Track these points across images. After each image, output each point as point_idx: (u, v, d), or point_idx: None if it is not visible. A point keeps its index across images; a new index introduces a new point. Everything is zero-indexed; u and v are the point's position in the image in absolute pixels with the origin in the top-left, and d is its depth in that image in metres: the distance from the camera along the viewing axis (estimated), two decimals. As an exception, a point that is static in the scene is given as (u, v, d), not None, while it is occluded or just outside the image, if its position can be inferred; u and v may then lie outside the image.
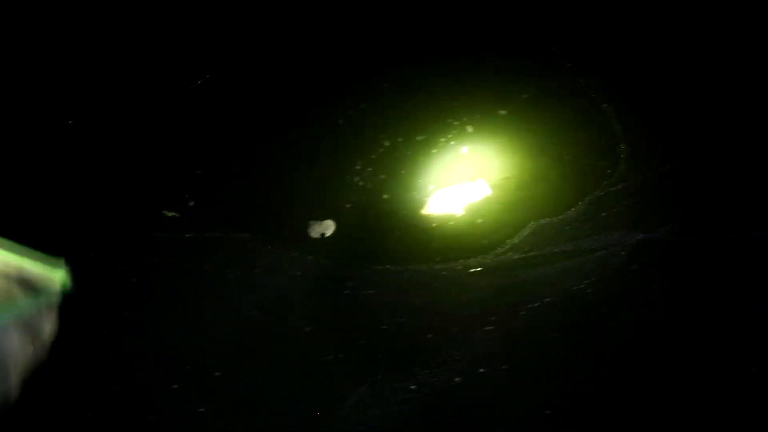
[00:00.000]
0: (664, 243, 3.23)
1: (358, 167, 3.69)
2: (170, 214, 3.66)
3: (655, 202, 3.35)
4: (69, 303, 3.33)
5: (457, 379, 3.06)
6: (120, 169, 3.73)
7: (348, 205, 3.63)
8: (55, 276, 2.34)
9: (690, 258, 3.18)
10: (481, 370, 3.05)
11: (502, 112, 3.62)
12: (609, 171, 3.43)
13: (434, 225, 3.66)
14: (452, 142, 3.68)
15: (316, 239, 3.68)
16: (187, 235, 3.62)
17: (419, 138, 3.70)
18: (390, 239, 3.68)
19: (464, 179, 3.69)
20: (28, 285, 2.18)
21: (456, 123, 3.71)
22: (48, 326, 2.23)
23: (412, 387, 3.15)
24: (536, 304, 3.19)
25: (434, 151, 3.68)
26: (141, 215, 3.65)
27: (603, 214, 3.41)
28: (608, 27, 3.58)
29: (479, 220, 3.62)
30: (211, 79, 3.87)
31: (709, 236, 3.19)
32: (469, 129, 3.67)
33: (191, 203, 3.70)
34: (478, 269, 3.48)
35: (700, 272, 3.16)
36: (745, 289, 3.03)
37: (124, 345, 3.31)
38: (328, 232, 3.64)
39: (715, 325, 3.01)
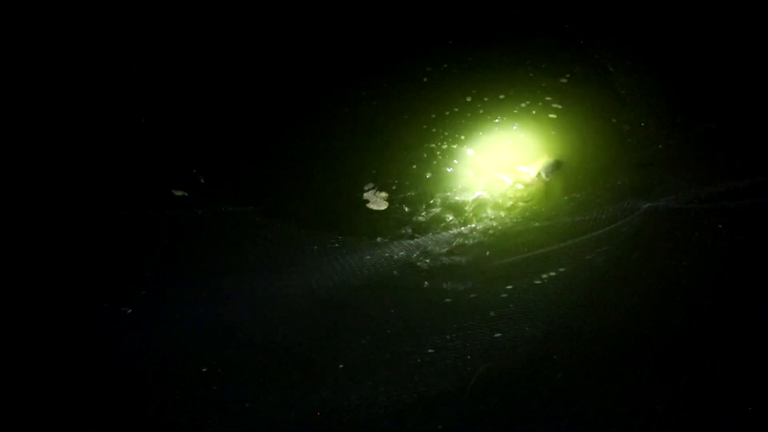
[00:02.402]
0: (672, 211, 3.31)
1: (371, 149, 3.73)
2: (179, 193, 3.63)
3: (664, 173, 3.43)
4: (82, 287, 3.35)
5: (474, 344, 3.14)
6: (127, 149, 3.67)
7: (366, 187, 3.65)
8: None
9: (698, 225, 3.28)
10: (497, 335, 3.13)
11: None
12: (622, 143, 3.51)
13: (446, 192, 3.68)
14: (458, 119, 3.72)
15: (328, 216, 3.69)
16: (199, 212, 3.59)
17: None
18: (402, 211, 3.69)
19: (472, 147, 3.72)
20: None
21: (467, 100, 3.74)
22: None
23: (430, 350, 3.21)
24: (550, 274, 3.26)
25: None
26: (150, 194, 3.61)
27: (613, 183, 3.48)
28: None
29: (490, 191, 3.66)
30: (222, 61, 3.82)
31: (716, 204, 3.28)
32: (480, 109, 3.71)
33: (201, 179, 3.67)
34: (494, 236, 3.52)
35: (707, 239, 3.26)
36: (752, 255, 3.14)
37: (139, 327, 3.30)
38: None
39: (722, 294, 3.12)
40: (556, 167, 3.58)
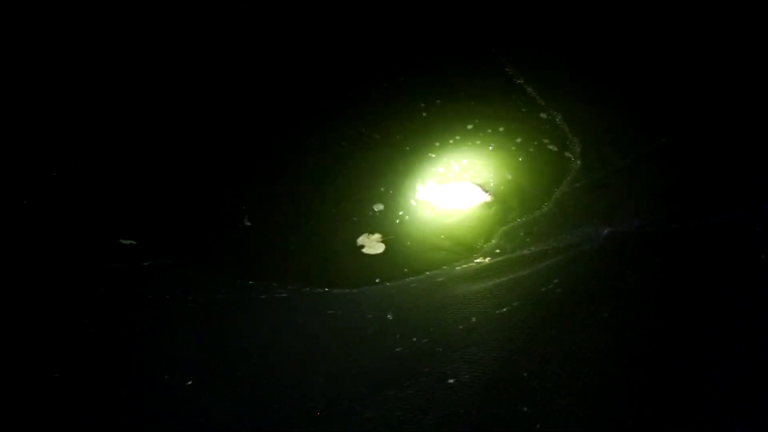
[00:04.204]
0: (634, 235, 3.10)
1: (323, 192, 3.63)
2: (127, 242, 3.56)
3: (622, 195, 3.24)
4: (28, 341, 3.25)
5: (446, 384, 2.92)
6: (73, 202, 3.64)
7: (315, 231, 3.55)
8: None
9: (663, 248, 3.05)
10: (450, 381, 2.91)
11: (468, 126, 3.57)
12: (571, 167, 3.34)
13: (401, 238, 3.56)
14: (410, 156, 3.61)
15: (281, 264, 3.58)
16: (145, 264, 3.51)
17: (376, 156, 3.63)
18: (356, 257, 3.58)
19: (429, 191, 3.60)
20: None
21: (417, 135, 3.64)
22: None
23: (389, 394, 3.00)
24: (504, 309, 3.05)
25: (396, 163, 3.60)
26: (96, 246, 3.55)
27: (570, 210, 3.30)
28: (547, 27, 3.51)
29: (447, 231, 3.53)
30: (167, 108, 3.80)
31: (683, 224, 3.06)
32: (436, 142, 3.61)
33: (148, 231, 3.61)
34: (447, 278, 3.36)
35: (674, 262, 3.02)
36: (721, 273, 2.89)
37: (87, 375, 3.17)
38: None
39: (693, 315, 2.87)
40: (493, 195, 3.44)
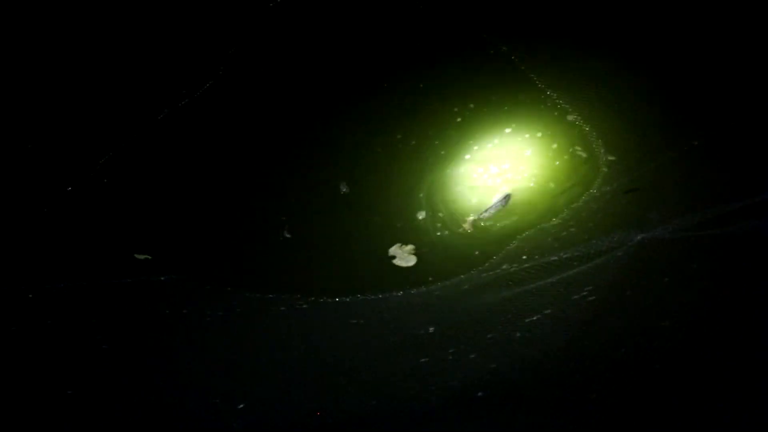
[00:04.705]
0: (668, 241, 2.97)
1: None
2: (142, 257, 3.47)
3: (654, 200, 3.12)
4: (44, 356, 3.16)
5: (450, 402, 2.80)
6: (88, 216, 3.54)
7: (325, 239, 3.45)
8: None
9: (699, 254, 2.93)
10: (479, 394, 2.79)
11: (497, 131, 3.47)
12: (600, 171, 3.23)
13: (424, 242, 3.44)
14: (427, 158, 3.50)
15: (303, 275, 3.48)
16: (161, 279, 3.42)
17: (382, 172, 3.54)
18: (378, 265, 3.46)
19: (450, 192, 3.49)
20: None
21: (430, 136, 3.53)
22: None
23: (415, 407, 2.89)
24: (535, 318, 2.93)
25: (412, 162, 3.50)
26: (110, 262, 3.46)
27: (600, 216, 3.18)
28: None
29: (473, 236, 3.41)
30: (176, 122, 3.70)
31: (718, 229, 2.94)
32: (441, 144, 3.49)
33: (163, 245, 3.51)
34: (472, 285, 3.24)
35: (712, 268, 2.90)
36: (753, 280, 2.76)
37: (104, 393, 3.08)
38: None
39: (725, 321, 2.74)
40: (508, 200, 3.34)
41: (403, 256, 3.40)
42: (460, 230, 3.40)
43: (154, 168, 3.56)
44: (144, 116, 3.55)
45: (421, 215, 3.44)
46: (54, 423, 3.02)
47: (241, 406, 3.08)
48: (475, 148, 3.47)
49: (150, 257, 3.46)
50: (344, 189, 3.46)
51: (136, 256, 3.46)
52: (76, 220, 3.43)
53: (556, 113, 3.35)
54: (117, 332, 3.24)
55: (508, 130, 3.44)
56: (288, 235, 3.28)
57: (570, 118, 3.32)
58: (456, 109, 3.48)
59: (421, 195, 3.47)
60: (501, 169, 3.41)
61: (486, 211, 3.35)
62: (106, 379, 3.14)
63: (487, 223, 3.37)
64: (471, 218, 3.37)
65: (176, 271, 3.41)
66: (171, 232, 3.51)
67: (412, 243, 3.41)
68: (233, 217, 3.52)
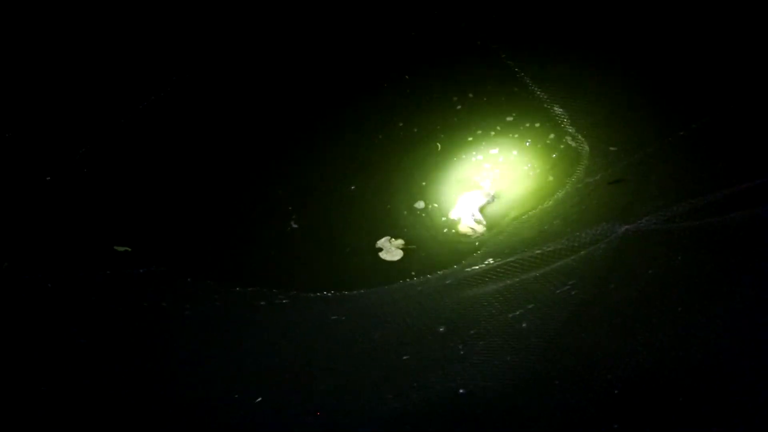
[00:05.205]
0: (653, 232, 2.92)
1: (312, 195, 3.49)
2: (121, 249, 3.42)
3: (639, 190, 3.07)
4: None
5: (432, 400, 2.73)
6: (67, 207, 3.50)
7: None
8: None
9: (685, 245, 2.87)
10: (461, 391, 2.73)
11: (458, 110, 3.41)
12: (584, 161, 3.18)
13: (404, 238, 3.40)
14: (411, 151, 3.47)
15: (285, 269, 3.43)
16: (140, 271, 3.37)
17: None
18: (361, 259, 3.42)
19: (430, 187, 3.45)
20: None
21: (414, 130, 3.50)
22: None
23: (396, 406, 2.83)
24: (518, 313, 2.88)
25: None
26: (90, 253, 3.41)
27: (584, 207, 3.13)
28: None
29: (455, 229, 3.37)
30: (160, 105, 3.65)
31: (705, 220, 2.88)
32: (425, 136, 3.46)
33: (143, 238, 3.46)
34: (455, 280, 3.20)
35: (697, 260, 2.84)
36: (748, 271, 2.70)
37: (79, 388, 3.02)
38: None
39: (719, 316, 2.68)
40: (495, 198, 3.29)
41: (390, 250, 3.36)
42: (454, 231, 3.36)
43: (136, 158, 3.52)
44: (126, 105, 3.50)
45: (420, 205, 3.40)
46: (26, 419, 2.96)
47: (218, 400, 3.02)
48: (469, 139, 3.44)
49: (130, 249, 3.41)
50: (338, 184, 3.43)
51: (116, 248, 3.41)
52: (54, 210, 3.38)
53: (538, 106, 3.31)
54: (94, 326, 3.18)
55: (492, 123, 3.41)
56: (295, 226, 3.25)
57: (553, 110, 3.28)
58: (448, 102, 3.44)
59: (414, 188, 3.44)
60: (484, 165, 3.37)
61: (478, 215, 3.31)
62: (82, 374, 3.08)
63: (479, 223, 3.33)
64: (467, 223, 3.33)
65: (156, 264, 3.37)
66: (151, 224, 3.47)
67: (401, 237, 3.37)
68: (214, 210, 3.47)
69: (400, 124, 3.52)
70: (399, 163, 3.51)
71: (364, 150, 3.51)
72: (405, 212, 3.45)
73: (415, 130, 3.51)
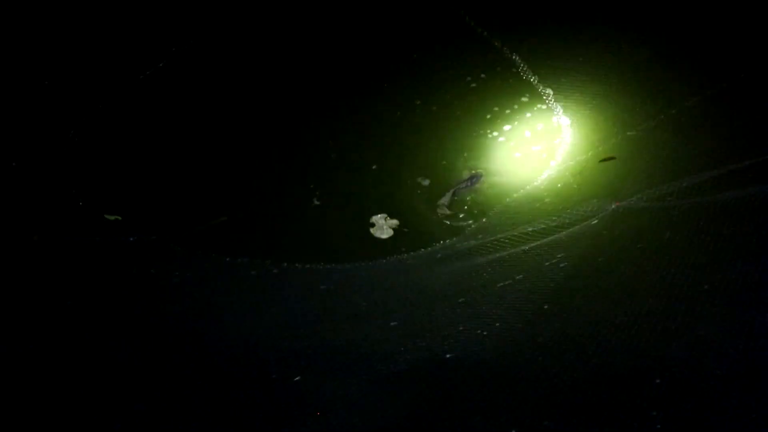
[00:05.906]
0: (642, 210, 2.94)
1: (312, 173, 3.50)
2: (112, 217, 3.42)
3: (629, 168, 3.09)
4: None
5: (419, 364, 2.72)
6: (60, 173, 3.50)
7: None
8: None
9: (673, 223, 2.88)
10: (448, 355, 2.72)
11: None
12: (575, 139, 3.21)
13: (398, 213, 3.41)
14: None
15: (268, 241, 3.43)
16: (130, 239, 3.36)
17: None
18: (352, 234, 3.43)
19: (423, 164, 3.47)
20: None
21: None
22: None
23: (382, 368, 2.80)
24: (507, 283, 2.88)
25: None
26: (81, 220, 3.41)
27: (574, 185, 3.15)
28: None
29: (445, 206, 3.38)
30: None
31: (694, 198, 2.90)
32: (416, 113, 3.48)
33: (134, 206, 3.47)
34: (445, 255, 3.20)
35: (684, 237, 2.85)
36: (735, 249, 2.71)
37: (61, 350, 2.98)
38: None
39: (704, 292, 2.68)
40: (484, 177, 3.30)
41: (383, 228, 3.36)
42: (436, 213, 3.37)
43: (129, 128, 3.53)
44: (124, 75, 3.52)
45: (426, 182, 3.41)
46: (13, 377, 2.92)
47: (205, 372, 2.99)
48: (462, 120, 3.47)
49: (120, 218, 3.41)
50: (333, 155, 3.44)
51: (107, 216, 3.41)
52: (46, 176, 3.39)
53: (528, 84, 3.35)
54: (81, 289, 3.17)
55: (485, 105, 3.44)
56: (250, 199, 3.25)
57: (543, 89, 3.32)
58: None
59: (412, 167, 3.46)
60: (475, 146, 3.40)
61: (455, 192, 3.32)
62: (66, 336, 3.06)
63: (461, 199, 3.34)
64: (443, 201, 3.34)
65: (146, 232, 3.36)
66: (142, 192, 3.47)
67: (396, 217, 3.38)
68: (205, 179, 3.48)
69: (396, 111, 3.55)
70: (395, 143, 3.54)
71: (361, 126, 3.54)
72: (401, 190, 3.46)
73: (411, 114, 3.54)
